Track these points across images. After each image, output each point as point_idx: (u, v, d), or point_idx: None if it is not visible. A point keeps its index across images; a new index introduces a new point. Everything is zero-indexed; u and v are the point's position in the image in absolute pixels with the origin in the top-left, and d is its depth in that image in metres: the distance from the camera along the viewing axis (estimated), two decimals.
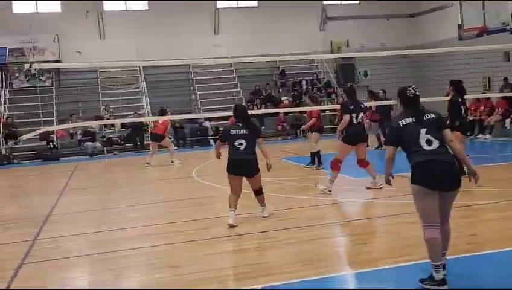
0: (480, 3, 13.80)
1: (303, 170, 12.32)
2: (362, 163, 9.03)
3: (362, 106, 9.13)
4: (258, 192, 7.35)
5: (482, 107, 17.39)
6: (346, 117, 8.81)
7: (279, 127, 22.04)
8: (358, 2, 26.18)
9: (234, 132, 7.20)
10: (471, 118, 17.38)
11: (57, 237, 7.14)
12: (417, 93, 4.72)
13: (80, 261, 6.11)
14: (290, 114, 21.99)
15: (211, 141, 21.06)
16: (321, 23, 25.75)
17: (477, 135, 17.10)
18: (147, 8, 24.10)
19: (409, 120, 4.59)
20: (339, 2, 26.06)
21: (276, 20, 24.33)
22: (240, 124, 7.23)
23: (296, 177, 11.29)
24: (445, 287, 4.32)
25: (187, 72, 24.13)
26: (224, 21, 24.33)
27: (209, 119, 21.41)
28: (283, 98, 23.05)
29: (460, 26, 14.47)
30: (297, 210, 7.98)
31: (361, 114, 8.96)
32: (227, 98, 22.75)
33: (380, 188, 8.69)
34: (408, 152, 4.58)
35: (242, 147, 7.08)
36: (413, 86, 4.76)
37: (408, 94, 4.70)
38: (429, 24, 25.30)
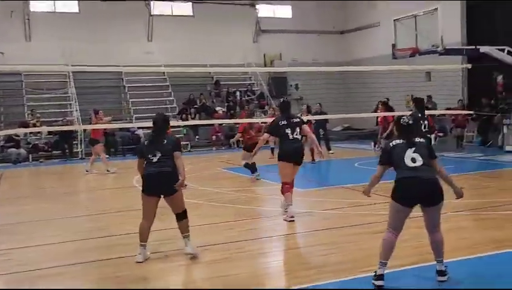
0: (413, 24, 14.51)
1: (247, 180, 12.35)
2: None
3: (296, 120, 8.20)
4: (182, 215, 6.10)
5: None
6: (265, 135, 8.38)
7: (214, 137, 21.98)
8: (290, 16, 26.75)
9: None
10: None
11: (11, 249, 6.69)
12: (410, 122, 5.01)
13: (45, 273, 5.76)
14: (225, 125, 22.01)
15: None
16: (255, 35, 26.04)
17: None
18: (77, 10, 23.28)
19: (399, 141, 4.95)
20: (272, 15, 26.48)
21: (211, 30, 24.32)
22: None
23: (244, 187, 11.32)
24: (380, 282, 4.79)
25: (119, 79, 23.51)
26: (159, 28, 23.98)
27: (142, 127, 20.98)
28: (217, 108, 23.04)
29: (394, 46, 15.11)
30: (255, 221, 8.00)
31: (298, 129, 8.03)
32: (161, 106, 22.38)
33: (292, 220, 7.73)
34: (395, 169, 4.94)
35: (155, 159, 5.99)
36: (408, 116, 5.14)
37: (402, 122, 5.02)
38: (357, 42, 26.34)
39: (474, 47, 14.67)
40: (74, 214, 9.15)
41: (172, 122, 20.82)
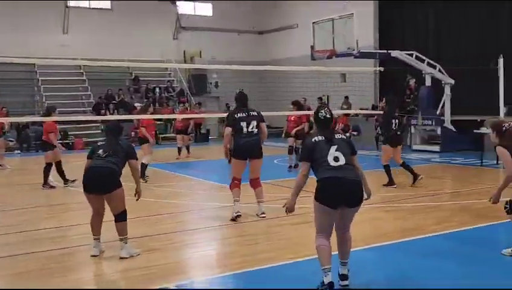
0: (330, 27, 15.19)
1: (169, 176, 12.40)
2: (252, 183, 7.82)
3: (254, 113, 7.67)
4: (120, 217, 5.85)
5: None
6: (227, 129, 7.62)
7: (133, 134, 21.63)
8: (211, 14, 26.91)
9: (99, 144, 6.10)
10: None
11: None
12: (327, 116, 4.83)
13: None
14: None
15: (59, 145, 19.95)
16: (175, 32, 25.94)
17: None
18: None
19: (320, 138, 4.72)
20: (192, 12, 26.50)
21: (130, 25, 23.98)
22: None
23: (167, 183, 11.40)
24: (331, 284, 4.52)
25: (32, 72, 22.57)
26: (75, 21, 23.30)
27: (57, 121, 20.25)
28: (136, 104, 22.67)
29: (312, 47, 15.72)
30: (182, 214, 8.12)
31: (254, 122, 7.56)
32: (76, 101, 21.78)
33: (263, 217, 7.64)
34: (316, 168, 4.70)
35: (103, 155, 5.88)
36: (326, 109, 4.90)
37: (320, 116, 4.85)
38: (276, 42, 26.99)
39: (385, 51, 15.54)
40: None
41: (88, 117, 20.60)
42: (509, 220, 5.75)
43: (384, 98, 11.19)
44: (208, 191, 10.56)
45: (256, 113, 7.67)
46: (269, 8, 27.40)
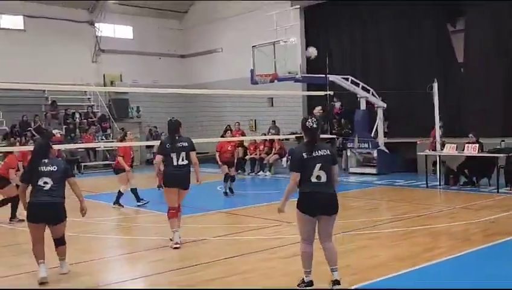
0: (271, 51, 15.08)
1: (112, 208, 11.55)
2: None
3: (185, 144, 7.71)
4: (61, 241, 6.32)
5: (261, 147, 18.81)
6: (158, 158, 7.77)
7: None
8: (132, 37, 26.02)
9: (42, 168, 6.16)
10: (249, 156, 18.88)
11: None
12: (314, 125, 5.32)
13: None
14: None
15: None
16: (94, 54, 24.72)
17: (258, 172, 18.38)
18: None
19: (308, 155, 5.24)
20: (112, 35, 25.46)
21: (45, 47, 22.45)
22: (46, 160, 6.22)
23: (115, 216, 10.54)
24: (314, 286, 5.31)
25: None
26: None
27: None
28: (55, 131, 21.15)
29: (252, 71, 15.51)
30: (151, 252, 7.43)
31: (183, 154, 7.63)
32: None
33: (177, 247, 7.49)
34: (300, 181, 5.26)
35: (47, 187, 6.07)
36: (312, 119, 5.37)
37: (307, 125, 5.33)
38: (199, 66, 26.56)
39: (324, 75, 15.69)
40: None
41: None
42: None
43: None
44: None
45: (186, 144, 7.73)
46: (189, 32, 26.98)
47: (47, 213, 6.05)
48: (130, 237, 8.81)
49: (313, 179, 5.23)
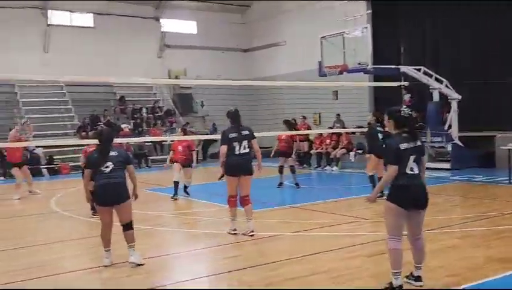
0: (340, 42, 14.68)
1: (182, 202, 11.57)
2: (242, 200, 7.91)
3: (246, 132, 7.90)
4: (129, 226, 6.42)
5: (328, 141, 18.43)
6: (223, 148, 7.77)
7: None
8: (196, 32, 26.20)
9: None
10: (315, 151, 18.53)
11: None
12: (412, 114, 5.28)
13: None
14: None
15: (44, 171, 18.87)
16: (159, 50, 25.08)
17: (325, 166, 18.02)
18: None
19: (406, 146, 5.09)
20: (177, 30, 25.73)
21: (113, 43, 23.01)
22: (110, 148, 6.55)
23: (184, 209, 10.52)
24: None
25: (12, 93, 21.26)
26: (56, 39, 22.16)
27: (41, 146, 19.11)
28: (123, 126, 21.64)
29: (320, 63, 15.15)
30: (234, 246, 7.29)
31: (245, 142, 7.80)
32: (59, 123, 20.62)
33: (252, 235, 7.69)
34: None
35: (107, 170, 6.34)
36: (405, 107, 5.31)
37: (402, 114, 5.21)
38: (262, 59, 26.41)
39: (395, 66, 15.12)
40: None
41: (75, 141, 19.45)
42: None
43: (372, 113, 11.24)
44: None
45: (247, 132, 7.93)
46: (254, 26, 26.85)
47: (110, 192, 6.27)
48: (203, 231, 8.67)
49: (408, 171, 5.09)
